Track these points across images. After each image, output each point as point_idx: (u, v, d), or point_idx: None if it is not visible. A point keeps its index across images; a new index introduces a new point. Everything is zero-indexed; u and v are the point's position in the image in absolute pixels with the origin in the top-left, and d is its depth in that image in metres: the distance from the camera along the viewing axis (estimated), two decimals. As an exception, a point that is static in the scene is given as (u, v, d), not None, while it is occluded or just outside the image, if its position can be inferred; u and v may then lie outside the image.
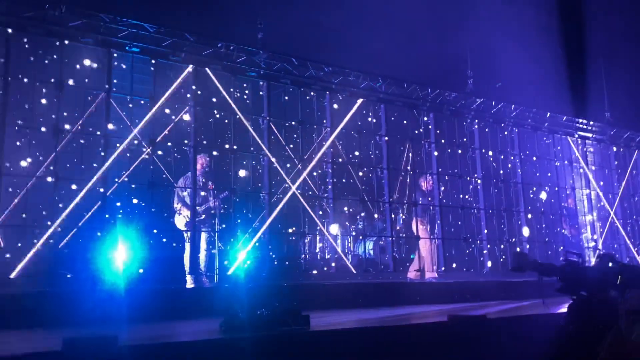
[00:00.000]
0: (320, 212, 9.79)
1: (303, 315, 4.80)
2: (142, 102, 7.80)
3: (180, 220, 8.32)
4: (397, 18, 10.54)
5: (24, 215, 7.37)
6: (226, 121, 8.65)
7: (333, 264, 9.25)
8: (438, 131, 10.56)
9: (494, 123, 11.25)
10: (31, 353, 3.61)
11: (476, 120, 11.03)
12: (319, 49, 9.37)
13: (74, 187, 7.28)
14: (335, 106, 9.56)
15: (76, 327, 4.67)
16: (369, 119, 10.06)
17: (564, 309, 3.12)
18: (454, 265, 10.30)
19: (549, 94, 11.60)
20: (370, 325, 5.42)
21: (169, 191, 8.43)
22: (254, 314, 4.67)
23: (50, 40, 7.24)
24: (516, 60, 10.83)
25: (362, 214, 10.44)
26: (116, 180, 7.61)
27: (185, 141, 8.40)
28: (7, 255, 6.84)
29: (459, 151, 10.75)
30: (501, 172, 11.24)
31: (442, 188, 10.39)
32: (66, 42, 7.20)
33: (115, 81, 7.53)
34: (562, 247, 11.57)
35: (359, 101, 9.62)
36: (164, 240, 8.19)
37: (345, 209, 10.70)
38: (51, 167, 7.16)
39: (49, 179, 7.09)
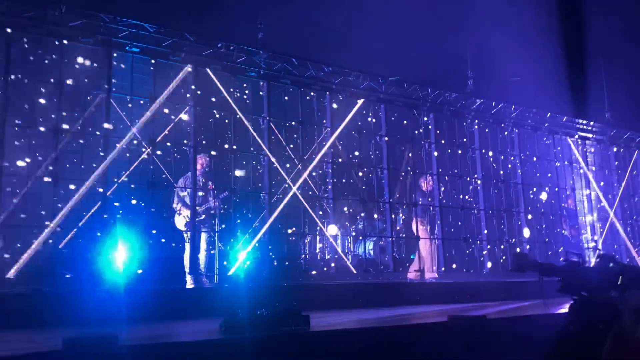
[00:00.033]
0: (320, 212, 9.78)
1: (303, 315, 4.80)
2: (142, 102, 7.80)
3: (180, 221, 8.32)
4: (397, 18, 10.55)
5: (22, 216, 7.36)
6: (226, 121, 8.64)
7: (332, 264, 9.24)
8: (438, 131, 10.56)
9: (494, 123, 11.25)
10: (32, 353, 3.61)
11: (476, 121, 11.03)
12: (319, 49, 9.37)
13: (72, 187, 7.27)
14: (335, 106, 9.55)
15: (76, 327, 4.67)
16: (369, 119, 10.06)
17: (564, 310, 3.12)
18: (454, 265, 10.29)
19: (549, 94, 11.60)
20: (370, 325, 5.42)
21: (168, 191, 8.42)
22: (254, 314, 4.67)
23: (50, 40, 7.23)
24: (516, 61, 10.84)
25: (362, 214, 10.44)
26: (115, 180, 7.60)
27: (185, 141, 8.40)
28: (6, 256, 6.83)
29: (459, 151, 10.75)
30: (501, 172, 11.24)
31: (442, 188, 10.39)
32: (65, 42, 7.19)
33: (114, 81, 7.51)
34: (562, 248, 11.57)
35: (360, 101, 9.62)
36: (164, 240, 8.18)
37: (345, 209, 10.70)
38: (50, 167, 7.16)
39: (46, 179, 7.09)
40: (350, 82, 9.51)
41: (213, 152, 8.56)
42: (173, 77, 8.00)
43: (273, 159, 8.71)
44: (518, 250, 10.91)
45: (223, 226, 8.36)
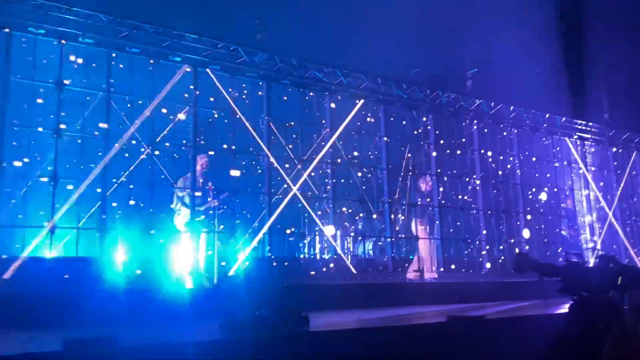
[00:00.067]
0: (319, 213, 9.78)
1: (302, 315, 4.80)
2: (140, 102, 7.79)
3: (180, 221, 8.30)
4: (397, 19, 10.55)
5: (20, 216, 7.35)
6: (226, 121, 8.64)
7: (331, 265, 9.24)
8: (437, 132, 10.56)
9: (492, 124, 11.26)
10: (31, 353, 3.60)
11: (475, 121, 11.04)
12: (318, 49, 9.38)
13: (69, 187, 7.26)
14: (332, 105, 9.54)
15: (75, 327, 4.67)
16: (368, 119, 10.07)
17: (564, 310, 3.12)
18: (453, 266, 10.29)
19: (548, 95, 11.61)
20: (369, 325, 5.42)
21: (168, 191, 8.41)
22: (253, 315, 4.67)
23: (50, 40, 7.22)
24: (515, 62, 10.85)
25: (361, 215, 10.44)
26: (114, 180, 7.59)
27: (184, 141, 8.40)
28: (4, 256, 6.82)
29: (458, 152, 10.76)
30: (500, 172, 11.26)
31: (441, 189, 10.39)
32: (63, 41, 7.18)
33: (112, 81, 7.50)
34: (561, 248, 11.58)
35: (360, 102, 9.63)
36: (163, 240, 8.17)
37: (344, 209, 10.69)
38: (49, 168, 7.15)
39: (43, 179, 7.09)
40: (349, 83, 9.51)
41: (211, 152, 8.54)
42: (172, 77, 7.99)
43: (273, 160, 8.70)
44: (517, 250, 10.92)
45: (222, 227, 8.34)
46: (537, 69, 11.06)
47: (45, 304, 5.51)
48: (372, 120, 10.11)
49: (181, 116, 8.54)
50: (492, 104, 11.05)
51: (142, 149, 7.84)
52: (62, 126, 7.21)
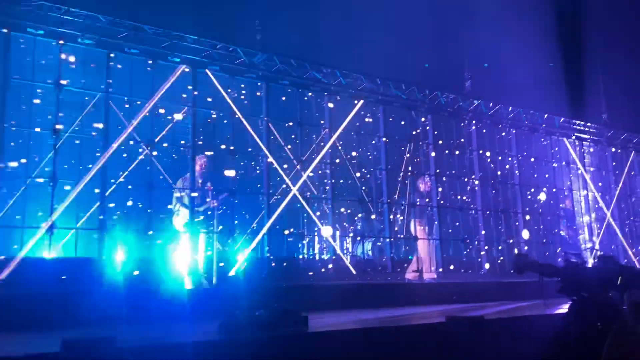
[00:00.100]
0: (318, 213, 9.78)
1: (302, 316, 4.80)
2: (139, 102, 7.78)
3: (179, 221, 8.29)
4: (395, 20, 10.56)
5: (18, 217, 7.34)
6: (225, 121, 8.64)
7: (330, 266, 9.24)
8: (436, 132, 10.57)
9: (491, 124, 11.27)
10: (30, 355, 3.60)
11: (474, 122, 11.05)
12: (317, 50, 9.38)
13: (66, 187, 7.25)
14: (330, 105, 9.53)
15: (74, 328, 4.66)
16: (366, 120, 10.07)
17: (563, 310, 3.13)
18: (452, 266, 10.30)
19: (547, 95, 11.62)
20: (368, 326, 5.42)
21: (167, 192, 8.40)
22: (252, 315, 4.67)
23: (48, 40, 7.22)
24: (514, 62, 10.86)
25: (360, 215, 10.44)
26: (112, 181, 7.59)
27: (182, 142, 8.39)
28: (2, 257, 6.81)
29: (457, 152, 10.77)
30: (499, 173, 11.27)
31: (440, 189, 10.40)
32: (61, 42, 7.17)
33: (109, 81, 7.49)
34: (559, 249, 11.60)
35: (360, 103, 9.63)
36: (163, 241, 8.17)
37: (343, 209, 10.70)
38: (47, 168, 7.14)
39: (39, 180, 7.08)
40: (348, 84, 9.52)
41: (208, 152, 8.54)
42: (172, 78, 7.99)
43: (272, 160, 8.70)
44: (516, 251, 10.93)
45: (221, 227, 8.34)
46: (550, 64, 11.05)
47: (44, 304, 5.49)
48: (371, 120, 10.11)
49: (179, 116, 8.54)
50: (491, 104, 11.06)
51: (141, 150, 7.83)
52: (59, 126, 7.19)
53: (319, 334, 4.69)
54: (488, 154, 11.17)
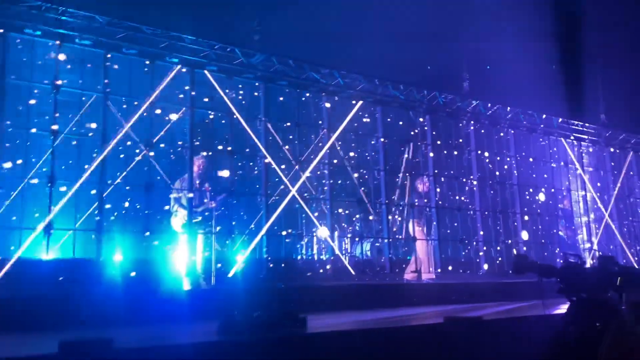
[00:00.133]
0: (316, 214, 9.77)
1: (300, 317, 4.79)
2: (136, 103, 7.77)
3: (177, 222, 8.28)
4: (394, 20, 10.55)
5: (14, 218, 7.32)
6: (223, 122, 8.63)
7: (328, 266, 9.22)
8: (434, 133, 10.57)
9: (489, 125, 11.28)
10: (28, 356, 3.59)
11: (472, 122, 11.05)
12: (315, 51, 9.37)
13: (62, 189, 7.23)
14: (328, 105, 9.52)
15: (71, 329, 4.64)
16: (364, 120, 10.07)
17: (562, 310, 3.12)
18: (450, 267, 10.29)
19: (545, 95, 11.63)
20: (367, 327, 5.41)
21: (165, 193, 8.39)
22: (251, 316, 4.66)
23: (45, 41, 7.20)
24: (512, 62, 10.86)
25: (358, 216, 10.44)
26: (109, 182, 7.56)
27: (180, 142, 8.37)
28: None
29: (455, 153, 10.77)
30: (497, 173, 11.28)
31: (438, 189, 10.40)
32: (57, 42, 7.15)
33: (106, 81, 7.47)
34: (558, 249, 11.60)
35: (359, 103, 9.63)
36: (161, 242, 8.15)
37: (341, 210, 10.69)
38: (44, 169, 7.12)
39: (33, 181, 7.05)
40: (346, 84, 9.51)
41: (204, 153, 8.52)
42: (170, 78, 7.98)
43: (271, 161, 8.69)
44: (515, 251, 10.93)
45: (218, 228, 8.33)
46: (548, 64, 11.08)
47: (41, 305, 5.47)
48: (369, 120, 10.11)
49: (174, 116, 8.52)
50: (489, 104, 11.06)
51: (138, 150, 7.81)
52: (54, 127, 7.17)
53: (317, 335, 4.68)
54: (486, 154, 11.18)
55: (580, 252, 11.81)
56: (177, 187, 8.24)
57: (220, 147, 8.60)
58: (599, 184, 12.97)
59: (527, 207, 11.57)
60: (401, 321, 5.95)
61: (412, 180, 10.04)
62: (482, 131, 11.19)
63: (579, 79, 12.55)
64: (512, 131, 11.61)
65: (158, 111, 8.36)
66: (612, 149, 13.26)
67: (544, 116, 11.88)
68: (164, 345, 4.21)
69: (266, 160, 8.68)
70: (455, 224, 10.55)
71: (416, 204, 9.88)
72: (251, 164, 9.38)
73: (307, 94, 9.40)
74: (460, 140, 10.89)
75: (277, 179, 8.90)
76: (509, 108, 11.30)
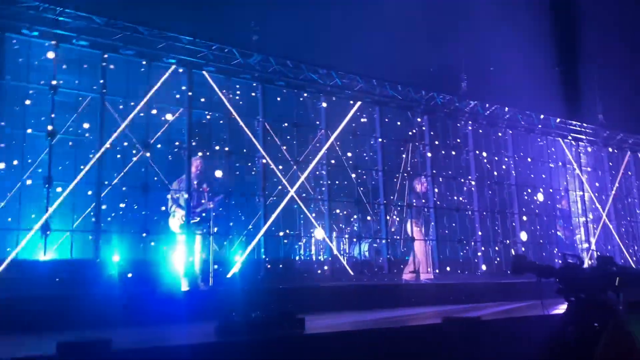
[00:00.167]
0: (314, 215, 9.76)
1: (298, 318, 4.78)
2: (133, 103, 7.75)
3: (175, 223, 8.26)
4: (392, 20, 10.56)
5: (9, 219, 7.29)
6: (221, 122, 8.62)
7: (326, 267, 9.22)
8: (432, 133, 10.58)
9: (487, 125, 11.28)
10: (26, 357, 3.57)
11: (470, 122, 11.06)
12: (313, 51, 9.37)
13: (58, 189, 7.21)
14: (324, 104, 9.52)
15: (69, 330, 4.63)
16: (362, 120, 10.07)
17: (560, 311, 3.12)
18: (448, 268, 10.29)
19: (543, 96, 11.65)
20: (365, 327, 5.40)
21: (162, 194, 8.37)
22: (249, 317, 4.65)
23: (42, 42, 7.18)
24: (510, 63, 10.88)
25: (355, 216, 10.43)
26: (106, 182, 7.55)
27: (177, 143, 8.36)
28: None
29: (453, 153, 10.77)
30: (495, 173, 11.28)
31: (437, 190, 10.40)
32: (54, 42, 7.13)
33: (101, 81, 7.46)
34: (556, 249, 11.61)
35: (357, 104, 9.62)
36: (158, 243, 8.14)
37: (339, 210, 10.69)
38: (39, 170, 7.10)
39: (28, 182, 7.03)
40: (344, 84, 9.51)
41: (202, 153, 8.51)
42: (167, 79, 7.96)
43: (269, 161, 8.69)
44: (513, 251, 10.94)
45: (216, 229, 8.32)
46: (547, 65, 11.09)
47: (39, 306, 5.46)
48: (367, 121, 10.11)
49: (170, 117, 8.51)
50: (487, 105, 11.07)
51: (135, 151, 7.80)
52: (51, 127, 7.14)
53: (315, 336, 4.67)
54: (484, 154, 11.18)
55: (579, 252, 11.82)
56: (174, 188, 8.23)
57: (217, 148, 8.58)
58: (597, 184, 12.98)
59: (525, 207, 11.57)
60: (399, 321, 5.94)
61: (410, 181, 10.04)
62: (480, 131, 11.20)
63: (576, 79, 12.59)
64: (510, 131, 11.61)
65: (155, 112, 8.35)
66: (610, 149, 13.28)
67: (542, 116, 11.89)
68: (163, 346, 4.19)
69: (264, 161, 8.67)
70: (454, 224, 10.56)
71: (414, 204, 9.88)
72: (249, 164, 9.36)
73: (305, 95, 9.39)
74: (458, 141, 10.90)
75: (275, 180, 8.89)
76: (507, 108, 11.31)
